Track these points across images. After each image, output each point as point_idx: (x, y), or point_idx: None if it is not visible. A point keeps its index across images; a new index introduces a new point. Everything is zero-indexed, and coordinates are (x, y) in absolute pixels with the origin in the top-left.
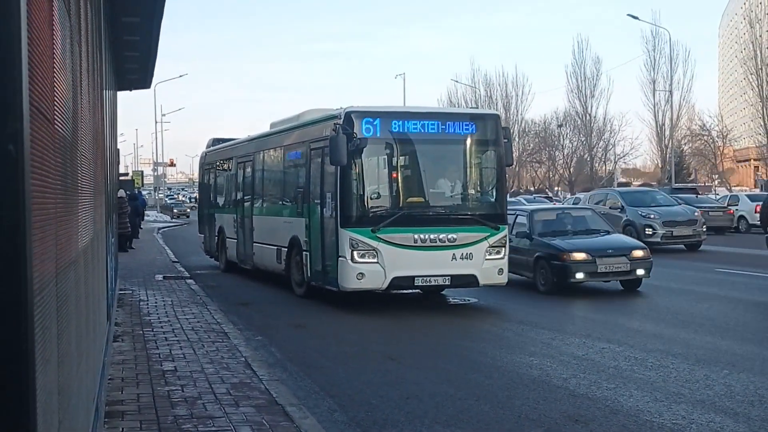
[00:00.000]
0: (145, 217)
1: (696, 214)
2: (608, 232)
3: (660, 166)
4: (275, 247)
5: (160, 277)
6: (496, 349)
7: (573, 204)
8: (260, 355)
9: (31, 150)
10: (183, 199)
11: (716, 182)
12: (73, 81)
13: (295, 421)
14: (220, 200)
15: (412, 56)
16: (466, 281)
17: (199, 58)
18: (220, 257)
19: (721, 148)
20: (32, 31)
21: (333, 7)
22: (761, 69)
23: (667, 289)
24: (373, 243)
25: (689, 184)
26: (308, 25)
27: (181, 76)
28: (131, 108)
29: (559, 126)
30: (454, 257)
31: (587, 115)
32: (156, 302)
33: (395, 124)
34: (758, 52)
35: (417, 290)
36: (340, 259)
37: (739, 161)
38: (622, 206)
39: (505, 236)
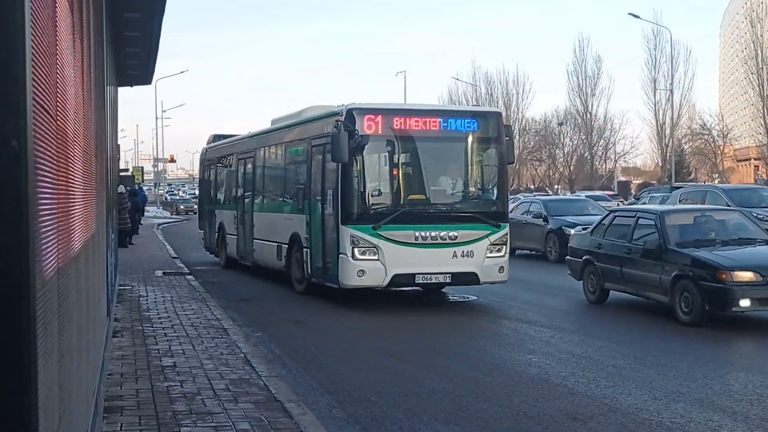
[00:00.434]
0: (145, 213)
1: None
2: (767, 242)
3: (660, 164)
4: (276, 244)
5: (159, 272)
6: (495, 347)
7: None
8: (259, 352)
9: (33, 145)
10: (183, 195)
11: (716, 181)
12: (75, 77)
13: (294, 418)
14: (221, 196)
15: (412, 54)
16: (467, 279)
17: (199, 54)
18: (220, 253)
19: (721, 147)
20: (35, 28)
21: (334, 4)
22: (762, 68)
23: None
24: (374, 240)
25: (689, 183)
26: (309, 22)
27: (182, 72)
28: (132, 104)
29: (560, 124)
30: (454, 255)
31: (588, 113)
32: (156, 298)
33: (397, 121)
34: (759, 51)
35: (417, 288)
36: (340, 256)
37: (740, 160)
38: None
39: (506, 234)
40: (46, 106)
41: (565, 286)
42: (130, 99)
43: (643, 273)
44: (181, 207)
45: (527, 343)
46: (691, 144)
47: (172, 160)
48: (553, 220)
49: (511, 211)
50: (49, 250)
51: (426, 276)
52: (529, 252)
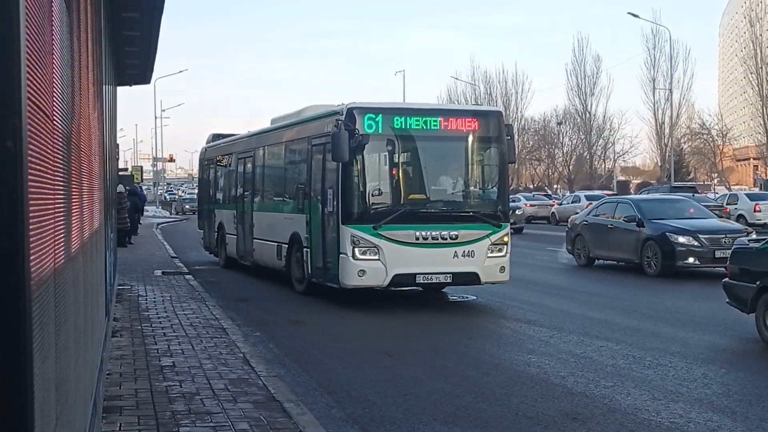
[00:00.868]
0: (145, 212)
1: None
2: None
3: (659, 164)
4: (275, 244)
5: (159, 272)
6: (495, 347)
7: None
8: (258, 351)
9: (29, 146)
10: (182, 195)
11: (715, 181)
12: (73, 77)
13: (293, 418)
14: (220, 196)
15: (412, 53)
16: (468, 279)
17: (198, 54)
18: (220, 253)
19: (720, 147)
20: (31, 28)
21: (333, 3)
22: (761, 68)
23: (666, 288)
24: (375, 240)
25: (688, 183)
26: (308, 21)
27: (181, 71)
28: (131, 103)
29: (559, 124)
30: (455, 255)
31: (587, 113)
32: (155, 298)
33: (397, 120)
34: (758, 50)
35: (417, 287)
36: (341, 256)
37: (739, 160)
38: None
39: (507, 234)
40: (42, 107)
41: (565, 286)
42: (129, 98)
43: None
44: (187, 207)
45: (526, 343)
46: (690, 143)
47: (171, 160)
48: (650, 224)
49: (589, 213)
50: (45, 251)
51: (427, 276)
52: (615, 263)
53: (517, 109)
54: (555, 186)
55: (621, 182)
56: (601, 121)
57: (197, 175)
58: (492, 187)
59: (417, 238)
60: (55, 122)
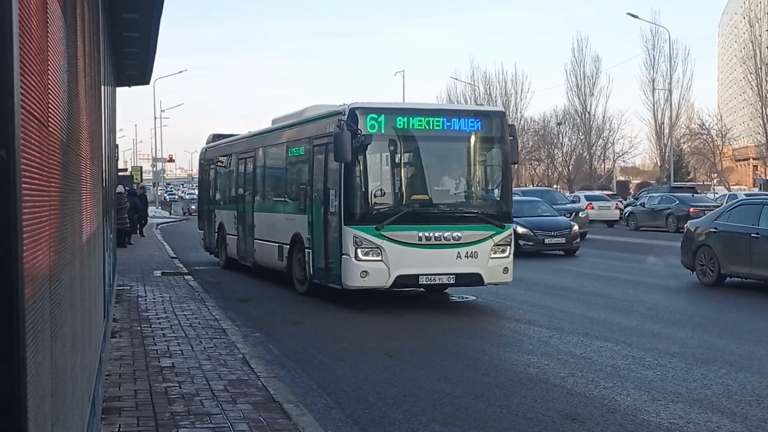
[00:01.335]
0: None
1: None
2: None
3: (659, 164)
4: (277, 244)
5: (158, 273)
6: (494, 347)
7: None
8: (258, 352)
9: (23, 153)
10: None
11: (715, 181)
12: (69, 82)
13: (293, 419)
14: (221, 196)
15: (411, 53)
16: (471, 280)
17: (198, 54)
18: (220, 254)
19: (720, 147)
20: (25, 35)
21: (333, 2)
22: (760, 68)
23: (665, 287)
24: (377, 241)
25: (688, 183)
26: (307, 21)
27: (180, 72)
28: (130, 104)
29: (559, 124)
30: (458, 256)
31: (586, 113)
32: (154, 298)
33: (400, 120)
34: (757, 51)
35: (418, 288)
36: (343, 256)
37: (738, 160)
38: None
39: (511, 234)
40: (36, 114)
41: (565, 287)
42: (128, 98)
43: None
44: (193, 207)
45: (526, 343)
46: (689, 144)
47: (171, 160)
48: None
49: (717, 218)
50: (40, 257)
51: (430, 277)
52: (759, 282)
53: (516, 109)
54: (555, 186)
55: (620, 182)
56: (600, 121)
57: (197, 176)
58: (495, 188)
59: (420, 239)
60: (50, 128)
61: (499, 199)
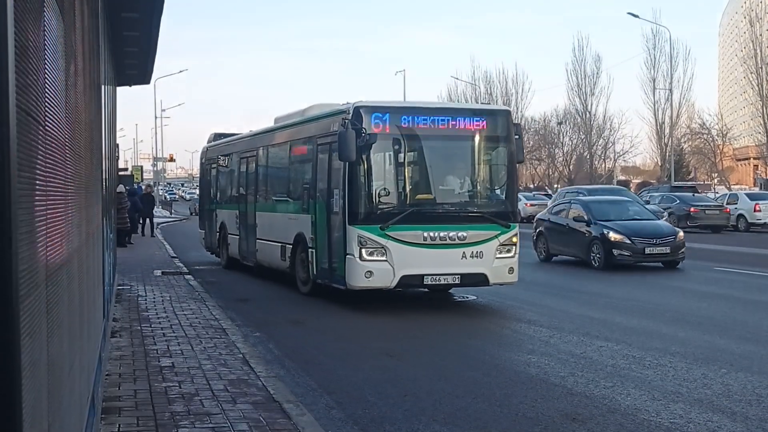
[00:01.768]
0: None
1: None
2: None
3: (659, 164)
4: (279, 244)
5: (158, 272)
6: (495, 347)
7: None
8: (258, 352)
9: (19, 153)
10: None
11: (716, 181)
12: (67, 81)
13: (293, 418)
14: (223, 196)
15: (411, 53)
16: (477, 280)
17: (198, 53)
18: (222, 253)
19: (720, 147)
20: (20, 33)
21: (333, 2)
22: (761, 68)
23: (666, 287)
24: (382, 241)
25: (688, 183)
26: (308, 20)
27: (181, 71)
28: (131, 103)
29: (559, 123)
30: (464, 255)
31: (587, 112)
32: (154, 298)
33: (405, 119)
34: (758, 50)
35: (424, 289)
36: (347, 256)
37: (739, 160)
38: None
39: (516, 234)
40: (32, 113)
41: (565, 286)
42: (129, 98)
43: None
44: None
45: (526, 343)
46: (690, 143)
47: (172, 159)
48: None
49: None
50: (36, 257)
51: (435, 277)
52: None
53: (517, 109)
54: (555, 186)
55: (621, 182)
56: (601, 120)
57: (197, 175)
58: (500, 187)
59: (425, 239)
60: (47, 128)
61: (504, 198)
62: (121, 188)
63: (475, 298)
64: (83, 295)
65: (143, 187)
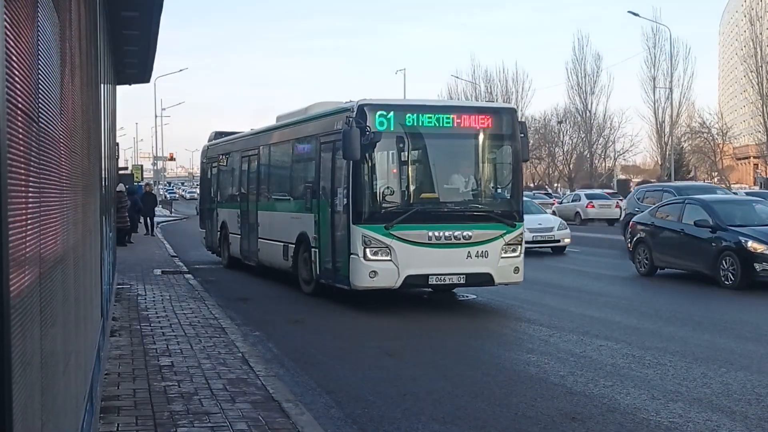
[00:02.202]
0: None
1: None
2: None
3: (660, 163)
4: (282, 244)
5: (158, 271)
6: (494, 346)
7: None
8: (257, 351)
9: (11, 149)
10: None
11: (716, 179)
12: (63, 78)
13: (292, 418)
14: (224, 195)
15: (411, 52)
16: (482, 280)
17: (198, 52)
18: (223, 253)
19: (720, 146)
20: (11, 29)
21: (334, 2)
22: (761, 67)
23: (666, 287)
24: (387, 240)
25: (689, 182)
26: (308, 19)
27: (180, 70)
28: (131, 102)
29: (559, 122)
30: (469, 255)
31: (587, 111)
32: (154, 297)
33: (409, 117)
34: (758, 49)
35: (429, 288)
36: (352, 256)
37: (739, 159)
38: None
39: (522, 234)
40: (26, 110)
41: (564, 286)
42: (129, 97)
43: None
44: None
45: (526, 342)
46: (690, 142)
47: (172, 158)
48: None
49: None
50: (29, 255)
51: (439, 277)
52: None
53: (517, 107)
54: (555, 185)
55: (621, 181)
56: (601, 119)
57: (198, 174)
58: (506, 186)
59: (430, 238)
60: (41, 124)
61: (509, 197)
62: (121, 187)
63: (474, 297)
64: (79, 293)
65: (143, 185)
